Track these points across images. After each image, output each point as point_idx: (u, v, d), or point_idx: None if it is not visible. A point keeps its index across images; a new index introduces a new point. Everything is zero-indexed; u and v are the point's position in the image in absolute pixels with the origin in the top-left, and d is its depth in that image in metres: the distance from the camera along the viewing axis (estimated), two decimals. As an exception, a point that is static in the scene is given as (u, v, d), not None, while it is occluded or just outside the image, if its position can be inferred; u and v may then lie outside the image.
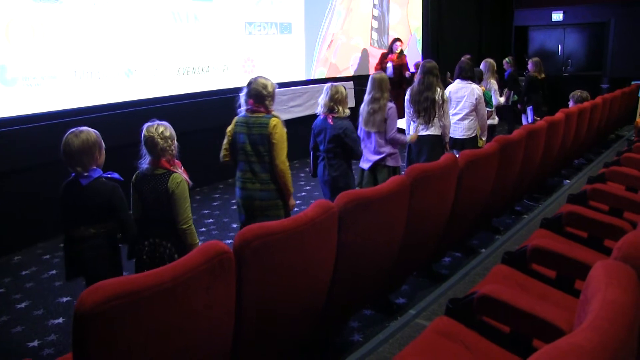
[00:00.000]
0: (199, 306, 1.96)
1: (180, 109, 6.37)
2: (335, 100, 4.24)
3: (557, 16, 12.53)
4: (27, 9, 4.92)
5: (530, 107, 7.96)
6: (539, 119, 6.15)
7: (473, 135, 5.72)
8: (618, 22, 11.86)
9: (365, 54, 9.52)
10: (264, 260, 2.20)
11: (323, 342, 3.12)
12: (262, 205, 3.73)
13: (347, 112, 4.32)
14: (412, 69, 9.58)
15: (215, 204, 6.17)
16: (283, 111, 7.52)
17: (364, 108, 4.77)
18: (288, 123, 7.56)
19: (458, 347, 2.12)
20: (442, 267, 4.17)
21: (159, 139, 2.92)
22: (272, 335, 2.44)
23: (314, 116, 4.94)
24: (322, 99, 4.31)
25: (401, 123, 5.46)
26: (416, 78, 5.25)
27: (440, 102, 5.07)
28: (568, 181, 6.21)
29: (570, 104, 6.78)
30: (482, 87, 6.40)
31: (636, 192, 3.86)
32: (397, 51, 9.00)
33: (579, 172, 6.53)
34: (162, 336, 1.85)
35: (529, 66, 8.33)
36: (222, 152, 3.94)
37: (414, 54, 10.67)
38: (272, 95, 3.68)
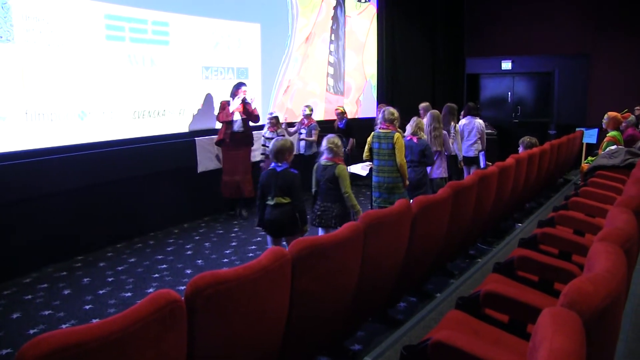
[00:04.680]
0: (148, 357, 1.90)
1: (135, 152, 6.30)
2: (418, 128, 6.12)
3: (506, 65, 13.06)
4: (-23, 51, 4.82)
5: (482, 152, 8.16)
6: (490, 164, 6.34)
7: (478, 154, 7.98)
8: (561, 72, 12.46)
9: (321, 100, 9.66)
10: (216, 308, 2.16)
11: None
12: (388, 187, 5.65)
13: (425, 136, 6.25)
14: (371, 114, 9.72)
15: (169, 249, 6.06)
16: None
17: (428, 134, 6.63)
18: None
19: (412, 395, 2.10)
20: (398, 312, 4.16)
21: (332, 146, 4.75)
22: (224, 386, 2.37)
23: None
24: (409, 126, 6.18)
25: (354, 169, 6.42)
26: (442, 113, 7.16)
27: (454, 133, 7.25)
28: (520, 224, 6.35)
29: (520, 149, 6.99)
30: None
31: (583, 235, 3.96)
32: (242, 99, 7.20)
33: (531, 215, 6.69)
34: (107, 391, 1.78)
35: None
36: (365, 154, 5.87)
37: (369, 99, 10.89)
38: (397, 119, 5.71)
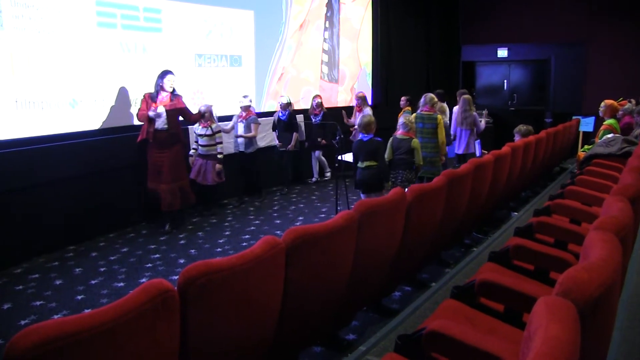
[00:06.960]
0: (141, 347, 1.87)
1: (126, 140, 6.24)
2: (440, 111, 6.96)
3: (502, 52, 12.99)
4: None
5: (478, 140, 8.14)
6: (486, 152, 6.33)
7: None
8: (557, 60, 12.40)
9: (315, 88, 9.59)
10: (209, 298, 2.13)
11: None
12: (431, 160, 6.38)
13: (446, 120, 7.58)
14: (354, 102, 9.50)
15: (162, 238, 6.02)
16: (232, 144, 7.47)
17: (458, 116, 7.99)
18: (238, 156, 7.50)
19: (406, 385, 2.09)
20: (393, 302, 4.15)
21: (408, 122, 5.71)
22: (217, 376, 2.35)
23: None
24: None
25: (349, 157, 6.29)
26: (459, 102, 8.15)
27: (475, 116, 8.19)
28: (516, 213, 6.34)
29: (516, 137, 6.96)
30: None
31: (579, 224, 3.95)
32: (170, 89, 6.07)
33: (526, 204, 6.67)
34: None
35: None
36: None
37: (363, 87, 10.82)
38: (436, 103, 6.69)
